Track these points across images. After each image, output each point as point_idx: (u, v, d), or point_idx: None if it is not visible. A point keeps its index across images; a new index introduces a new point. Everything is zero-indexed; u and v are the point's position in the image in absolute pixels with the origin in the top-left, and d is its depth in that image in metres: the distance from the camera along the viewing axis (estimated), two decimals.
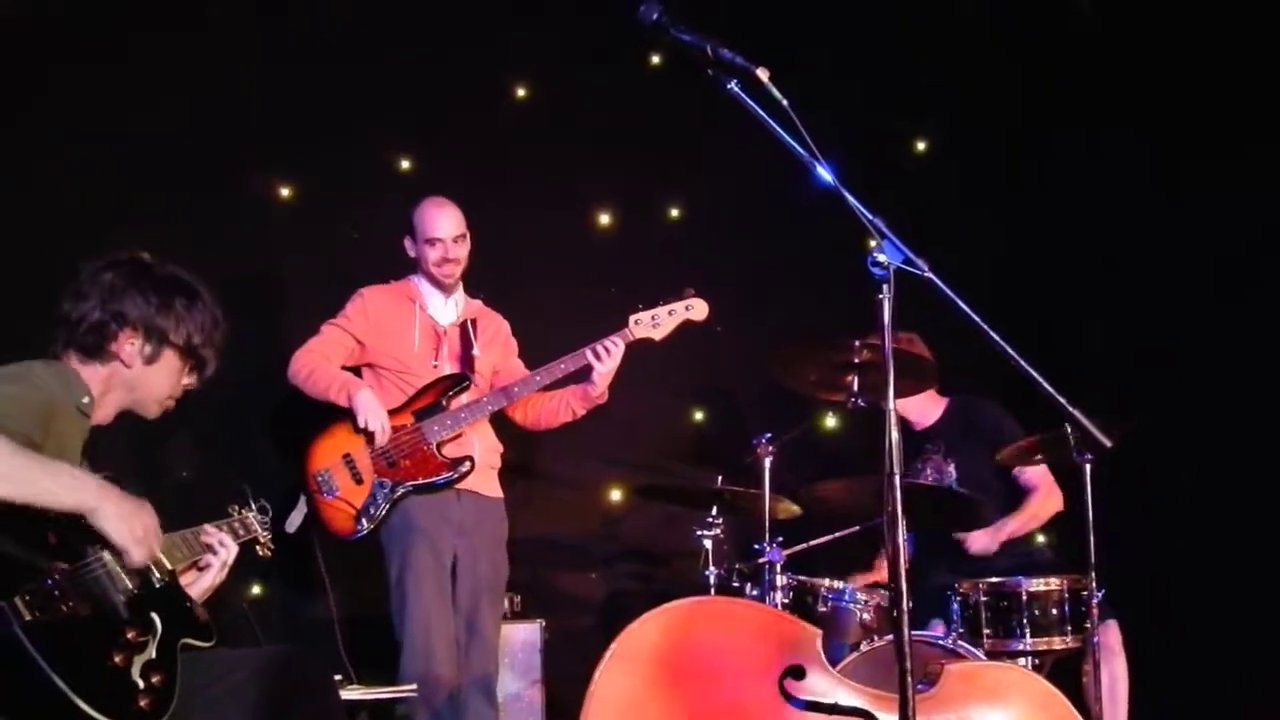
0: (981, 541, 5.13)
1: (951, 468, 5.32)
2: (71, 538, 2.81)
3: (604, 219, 6.10)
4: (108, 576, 2.85)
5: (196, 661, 3.01)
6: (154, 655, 2.86)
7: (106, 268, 3.15)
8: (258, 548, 3.55)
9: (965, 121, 6.53)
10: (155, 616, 2.92)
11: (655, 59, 6.06)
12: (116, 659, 2.77)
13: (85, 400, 3.07)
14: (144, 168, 5.13)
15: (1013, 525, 5.17)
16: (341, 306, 4.88)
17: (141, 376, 3.18)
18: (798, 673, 3.54)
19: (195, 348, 3.23)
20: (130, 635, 2.83)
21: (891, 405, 2.70)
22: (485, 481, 4.87)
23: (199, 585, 3.28)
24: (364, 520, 4.63)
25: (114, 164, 5.08)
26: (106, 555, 2.86)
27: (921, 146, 6.70)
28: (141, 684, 2.79)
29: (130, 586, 2.89)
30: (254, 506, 3.55)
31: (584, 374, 4.82)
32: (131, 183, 5.10)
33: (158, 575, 3.01)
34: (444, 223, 4.83)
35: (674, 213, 6.23)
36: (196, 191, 5.21)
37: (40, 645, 2.58)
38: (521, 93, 6.00)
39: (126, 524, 2.86)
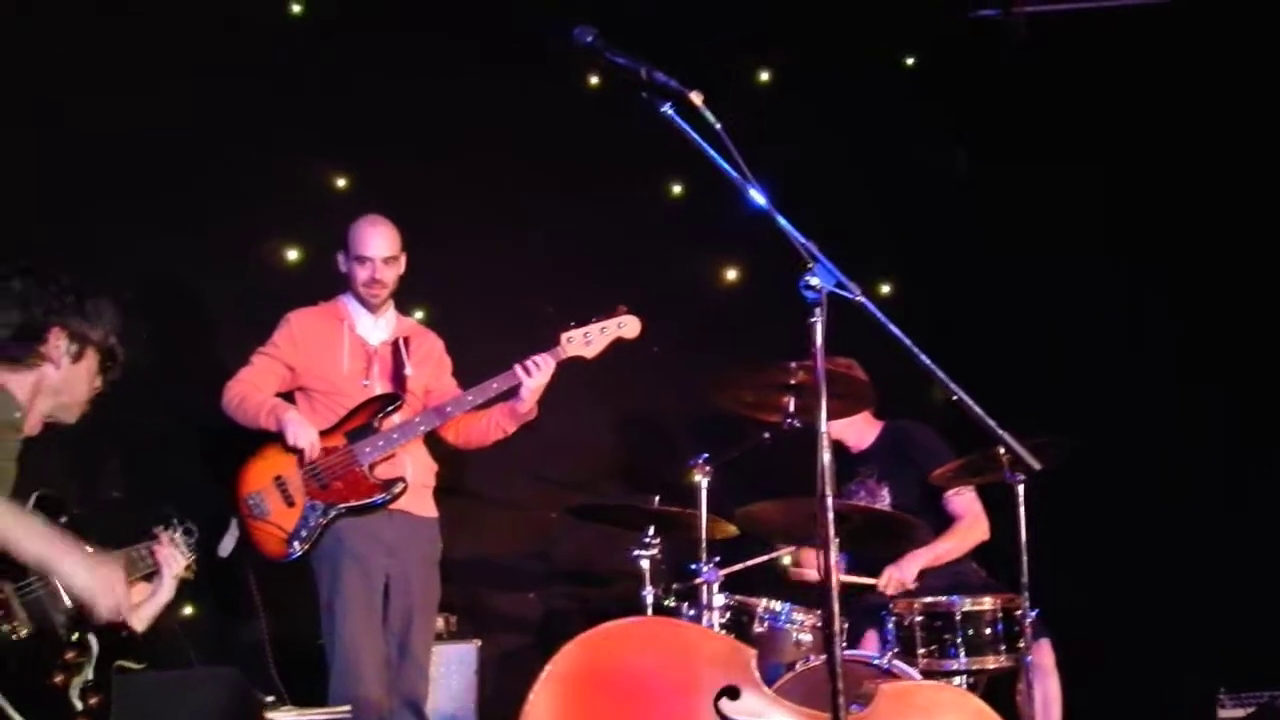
0: (896, 581, 5.08)
1: (885, 492, 5.34)
2: (13, 558, 2.81)
3: (540, 238, 6.09)
4: (49, 596, 2.87)
5: (128, 683, 3.01)
6: (91, 677, 2.87)
7: (9, 276, 3.14)
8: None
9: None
10: (92, 638, 2.92)
11: (594, 79, 6.08)
12: (56, 679, 2.80)
13: (17, 415, 3.05)
14: (79, 186, 5.06)
15: (929, 556, 5.13)
16: (272, 330, 4.85)
17: (68, 377, 3.18)
18: (732, 693, 3.54)
19: (111, 346, 3.25)
20: (69, 656, 2.86)
21: (824, 427, 2.71)
22: (419, 501, 4.84)
23: (155, 599, 3.31)
24: (296, 543, 4.59)
25: (45, 180, 5.01)
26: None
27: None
28: (80, 705, 2.83)
29: (70, 607, 2.90)
30: (179, 528, 3.54)
31: (516, 391, 4.80)
32: (65, 200, 5.02)
33: None
34: (376, 242, 4.80)
35: (612, 230, 6.23)
36: (133, 212, 5.15)
37: None
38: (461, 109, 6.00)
39: (94, 581, 2.86)
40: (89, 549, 2.93)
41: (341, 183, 5.69)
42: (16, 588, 2.77)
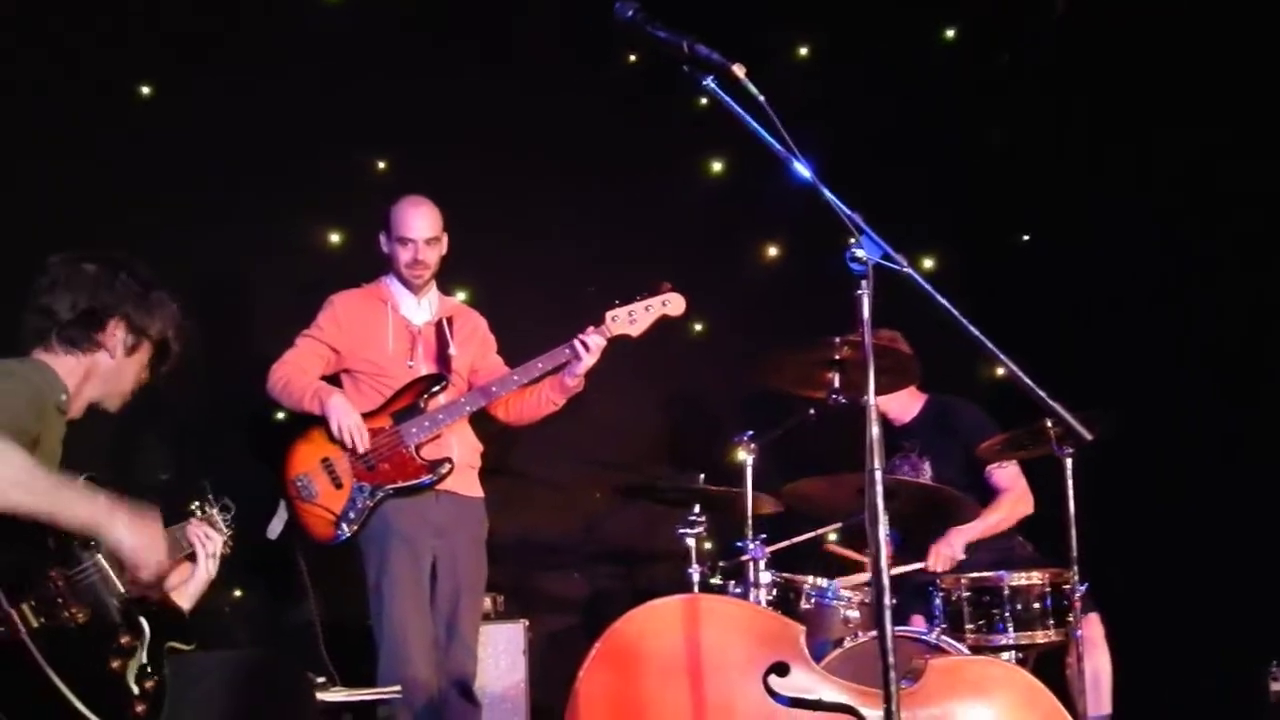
0: (944, 558, 5.08)
1: (927, 465, 5.32)
2: (67, 542, 2.85)
3: (581, 217, 6.07)
4: (102, 581, 2.89)
5: (179, 666, 3.02)
6: (145, 660, 2.88)
7: (84, 259, 3.17)
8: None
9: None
10: (143, 620, 2.94)
11: (632, 57, 6.05)
12: (114, 665, 2.80)
13: (63, 398, 3.09)
14: (120, 174, 5.09)
15: (977, 530, 5.11)
16: (317, 313, 4.87)
17: (121, 367, 3.21)
18: (781, 669, 3.54)
19: (167, 341, 3.27)
20: (124, 640, 2.87)
21: (872, 401, 2.70)
22: (465, 481, 4.85)
23: (196, 579, 3.34)
24: (344, 525, 4.61)
25: (88, 169, 5.04)
26: (100, 558, 2.90)
27: None
28: (136, 690, 2.82)
29: (122, 591, 2.91)
30: (215, 505, 3.55)
31: (561, 369, 4.78)
32: (108, 188, 5.06)
33: None
34: (418, 222, 4.80)
35: (653, 208, 6.21)
36: (174, 199, 5.18)
37: (45, 652, 2.59)
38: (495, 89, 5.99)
39: (138, 541, 2.91)
40: (133, 510, 2.95)
41: (382, 165, 5.70)
42: (69, 574, 2.79)
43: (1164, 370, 5.89)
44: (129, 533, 2.88)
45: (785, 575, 4.78)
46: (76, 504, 2.82)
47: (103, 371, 3.17)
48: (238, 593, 5.17)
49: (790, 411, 4.92)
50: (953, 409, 5.41)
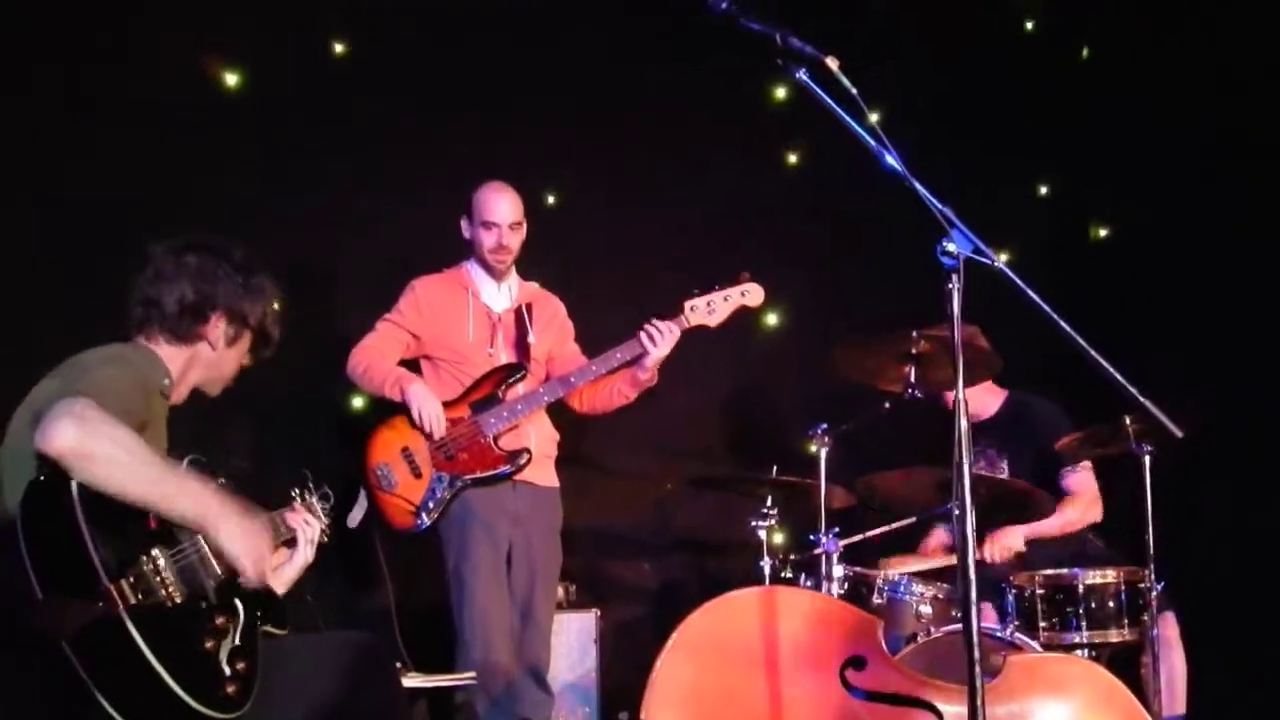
0: (1000, 548, 5.02)
1: (1005, 464, 5.26)
2: (168, 522, 2.87)
3: (659, 204, 6.07)
4: (200, 563, 2.91)
5: (265, 647, 3.05)
6: (238, 642, 2.91)
7: (186, 250, 3.21)
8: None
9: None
10: (238, 603, 2.97)
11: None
12: (207, 645, 2.83)
13: (166, 383, 3.15)
14: (205, 156, 5.15)
15: (1041, 527, 5.02)
16: (397, 298, 4.90)
17: (223, 357, 3.27)
18: (858, 663, 3.53)
19: (266, 328, 3.33)
20: (219, 621, 2.89)
21: (961, 395, 2.69)
22: (541, 471, 4.87)
23: (293, 565, 3.36)
24: (423, 514, 4.64)
25: (174, 152, 5.10)
26: (200, 540, 2.92)
27: None
28: (228, 670, 2.84)
29: (220, 572, 2.95)
30: (315, 493, 3.59)
31: (639, 360, 4.79)
32: (194, 171, 5.11)
33: None
34: (502, 207, 4.82)
35: (729, 198, 6.20)
36: (257, 182, 5.24)
37: (142, 629, 2.63)
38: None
39: (245, 544, 2.93)
40: (243, 512, 2.99)
41: (463, 149, 5.72)
42: (171, 554, 2.83)
43: (1240, 366, 5.82)
44: (236, 535, 2.91)
45: (857, 569, 4.77)
46: (184, 498, 2.85)
47: (205, 361, 3.24)
48: (315, 579, 5.20)
49: (864, 405, 4.90)
50: (1032, 407, 5.33)
